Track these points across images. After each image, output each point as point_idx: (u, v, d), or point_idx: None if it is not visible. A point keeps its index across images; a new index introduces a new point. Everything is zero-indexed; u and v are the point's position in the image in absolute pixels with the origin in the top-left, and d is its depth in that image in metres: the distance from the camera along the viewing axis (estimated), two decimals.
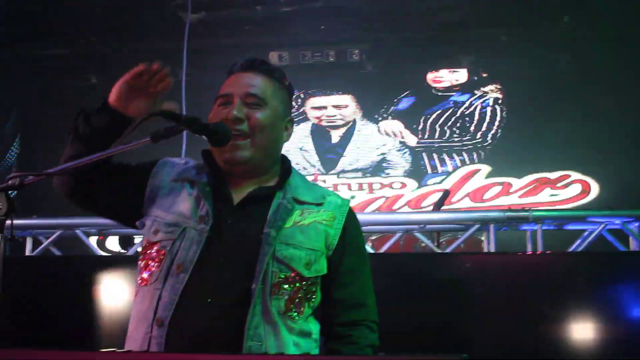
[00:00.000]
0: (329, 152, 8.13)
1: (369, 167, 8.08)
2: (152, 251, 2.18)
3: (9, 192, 1.98)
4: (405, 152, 8.05)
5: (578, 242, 4.39)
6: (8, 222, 1.98)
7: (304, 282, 2.12)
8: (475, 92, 8.05)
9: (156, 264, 2.15)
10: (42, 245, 4.61)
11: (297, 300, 2.11)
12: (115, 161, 2.26)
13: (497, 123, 7.93)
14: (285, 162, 2.32)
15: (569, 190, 7.63)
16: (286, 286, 2.09)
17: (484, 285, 3.69)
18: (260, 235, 2.10)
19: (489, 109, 7.97)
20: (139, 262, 2.23)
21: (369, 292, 2.29)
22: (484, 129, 7.94)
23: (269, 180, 2.26)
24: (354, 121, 8.21)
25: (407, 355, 1.36)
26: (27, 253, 4.71)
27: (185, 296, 2.06)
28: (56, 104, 8.26)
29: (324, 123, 8.23)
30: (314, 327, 2.19)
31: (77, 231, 4.55)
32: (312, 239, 2.16)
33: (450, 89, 8.08)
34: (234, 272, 2.08)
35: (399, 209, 7.75)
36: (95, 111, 2.17)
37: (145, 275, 2.18)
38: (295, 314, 2.11)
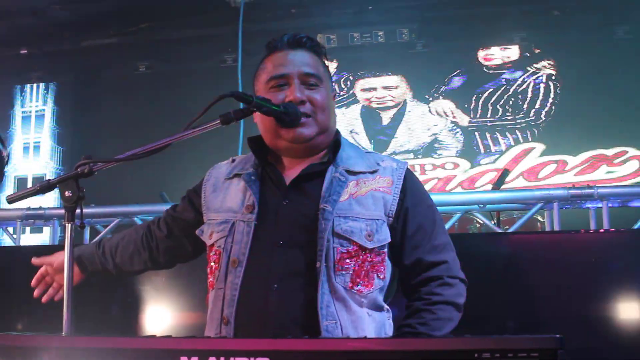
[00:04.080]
0: (380, 134, 8.06)
1: (421, 148, 8.00)
2: (212, 253, 2.19)
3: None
4: (457, 132, 7.96)
5: None
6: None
7: (367, 254, 2.06)
8: (528, 68, 7.91)
9: (217, 265, 2.15)
10: (101, 234, 4.65)
11: (363, 273, 2.05)
12: (168, 218, 2.44)
13: (550, 100, 7.78)
14: (335, 135, 2.27)
15: (626, 166, 7.47)
16: (349, 260, 2.04)
17: (550, 265, 3.60)
18: (316, 212, 2.06)
19: (542, 86, 7.82)
20: (207, 269, 2.23)
21: (444, 248, 2.17)
22: (537, 106, 7.80)
23: (322, 157, 2.22)
24: (405, 102, 8.13)
25: (499, 336, 1.32)
26: (86, 242, 4.75)
27: (246, 289, 2.05)
28: (106, 94, 8.37)
29: (374, 105, 8.16)
30: (385, 299, 2.14)
31: (135, 218, 4.57)
32: (370, 208, 2.10)
33: (502, 66, 7.95)
34: (296, 253, 2.05)
35: (451, 189, 7.67)
36: None
37: (211, 279, 2.19)
38: (364, 287, 2.05)
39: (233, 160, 2.35)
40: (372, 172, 2.19)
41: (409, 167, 2.24)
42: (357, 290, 2.03)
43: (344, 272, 2.03)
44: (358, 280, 2.04)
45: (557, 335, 1.30)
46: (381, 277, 2.10)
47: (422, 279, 2.12)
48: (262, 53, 2.29)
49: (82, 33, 7.95)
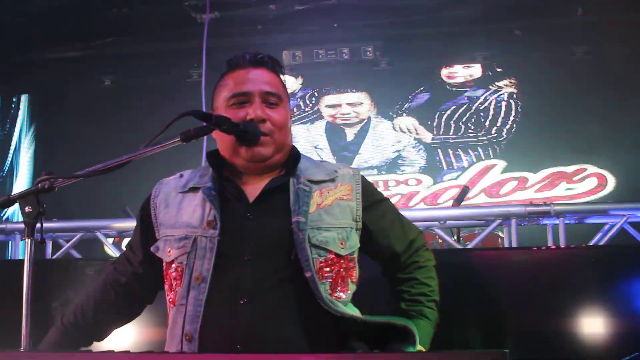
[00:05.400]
0: (344, 150, 8.10)
1: (384, 164, 8.05)
2: (172, 271, 2.18)
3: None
4: (420, 149, 8.02)
5: (599, 235, 4.36)
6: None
7: (342, 261, 2.14)
8: (490, 87, 8.01)
9: (178, 281, 2.14)
10: (64, 248, 4.62)
11: (340, 280, 2.13)
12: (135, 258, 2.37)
13: (512, 118, 7.89)
14: (293, 149, 2.32)
15: (585, 183, 7.58)
16: (328, 269, 2.11)
17: (508, 281, 3.66)
18: (289, 225, 2.10)
19: (503, 104, 7.93)
20: (165, 286, 2.23)
21: (411, 227, 2.41)
22: (498, 124, 7.90)
23: (281, 171, 2.26)
24: (369, 118, 8.19)
25: (446, 351, 1.36)
26: (48, 256, 4.72)
27: (212, 305, 2.05)
28: (71, 108, 8.31)
29: (338, 121, 8.20)
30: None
31: (98, 233, 4.56)
32: (338, 217, 2.19)
33: (464, 84, 8.05)
34: (266, 267, 2.08)
35: (414, 205, 7.73)
36: None
37: (171, 296, 2.18)
38: (342, 293, 2.13)
39: (181, 175, 2.35)
40: (332, 180, 2.26)
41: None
42: (337, 296, 2.10)
43: (324, 281, 2.09)
44: (337, 287, 2.12)
45: (504, 350, 1.34)
46: (354, 281, 2.20)
47: (414, 250, 2.34)
48: (223, 69, 2.32)
49: (48, 46, 7.91)
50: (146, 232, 2.33)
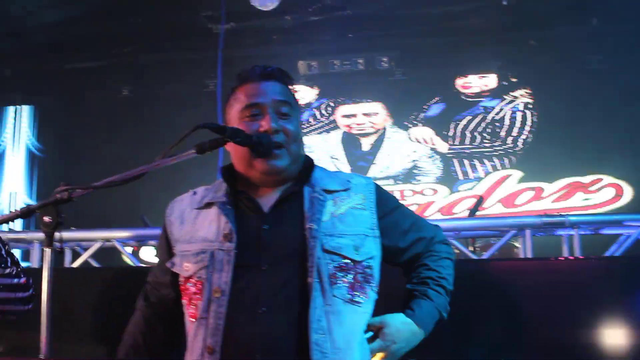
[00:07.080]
0: (360, 160, 8.13)
1: (400, 174, 8.08)
2: (191, 285, 2.18)
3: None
4: (436, 159, 8.05)
5: (615, 246, 4.34)
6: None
7: (358, 266, 2.13)
8: (505, 97, 8.03)
9: (198, 295, 2.14)
10: (82, 257, 4.65)
11: (358, 285, 2.12)
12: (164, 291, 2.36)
13: (527, 128, 7.90)
14: (306, 159, 2.33)
15: (601, 194, 7.57)
16: (342, 274, 2.10)
17: (523, 291, 3.66)
18: (302, 232, 2.11)
19: (519, 114, 7.94)
20: (183, 301, 2.22)
21: (426, 225, 2.42)
22: (514, 134, 7.91)
23: (293, 181, 2.26)
24: (384, 128, 8.22)
25: None
26: (67, 265, 4.75)
27: (232, 316, 2.06)
28: (89, 117, 8.39)
29: (354, 131, 8.23)
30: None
31: (116, 242, 4.59)
32: (352, 225, 2.18)
33: (479, 94, 8.07)
34: (283, 275, 2.08)
35: (430, 215, 7.74)
36: None
37: (191, 310, 2.17)
38: (361, 298, 2.12)
39: (195, 193, 2.36)
40: (346, 190, 2.26)
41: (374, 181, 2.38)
42: (356, 302, 2.11)
43: (339, 285, 2.09)
44: (356, 292, 2.11)
45: None
46: (374, 290, 2.19)
47: (431, 245, 2.36)
48: (234, 83, 2.34)
49: (66, 56, 8.00)
50: (169, 252, 2.33)
